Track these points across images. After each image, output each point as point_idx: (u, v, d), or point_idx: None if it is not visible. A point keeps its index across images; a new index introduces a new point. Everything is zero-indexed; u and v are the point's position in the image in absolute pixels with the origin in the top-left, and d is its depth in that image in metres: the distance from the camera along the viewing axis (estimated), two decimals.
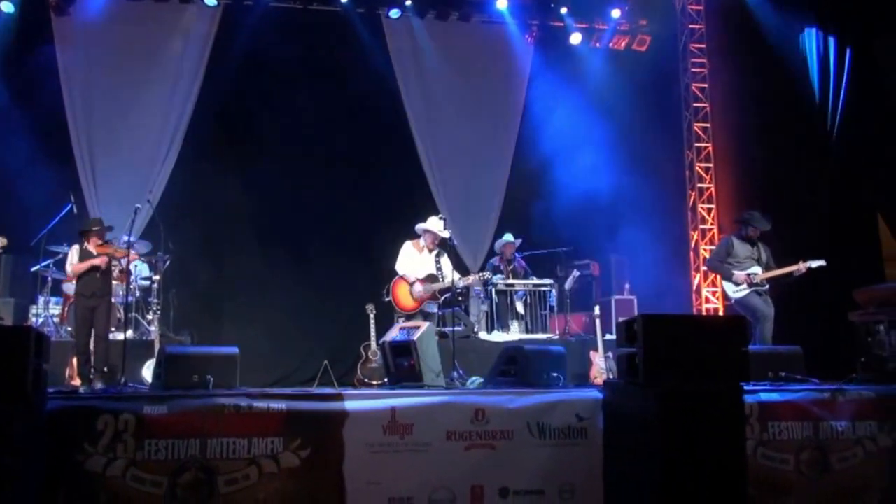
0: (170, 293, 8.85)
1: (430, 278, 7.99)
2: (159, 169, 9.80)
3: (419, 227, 8.18)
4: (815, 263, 7.63)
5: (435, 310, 8.11)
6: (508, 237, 9.70)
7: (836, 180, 9.01)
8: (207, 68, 10.06)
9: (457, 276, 7.85)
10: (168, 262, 8.76)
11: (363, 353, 8.24)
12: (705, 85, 11.82)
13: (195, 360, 5.19)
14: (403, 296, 8.04)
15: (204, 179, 9.84)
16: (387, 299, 8.10)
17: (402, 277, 8.04)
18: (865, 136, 8.70)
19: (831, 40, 9.26)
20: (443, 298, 8.09)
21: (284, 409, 4.69)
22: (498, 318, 9.10)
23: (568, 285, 9.55)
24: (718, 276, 9.18)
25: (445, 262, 8.10)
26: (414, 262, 8.08)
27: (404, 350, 6.25)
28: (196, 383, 5.02)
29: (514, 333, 8.95)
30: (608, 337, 8.32)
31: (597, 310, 8.52)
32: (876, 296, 7.01)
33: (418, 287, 7.96)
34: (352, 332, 8.86)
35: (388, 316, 8.17)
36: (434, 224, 8.12)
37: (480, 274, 8.52)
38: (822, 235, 8.90)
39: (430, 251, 8.13)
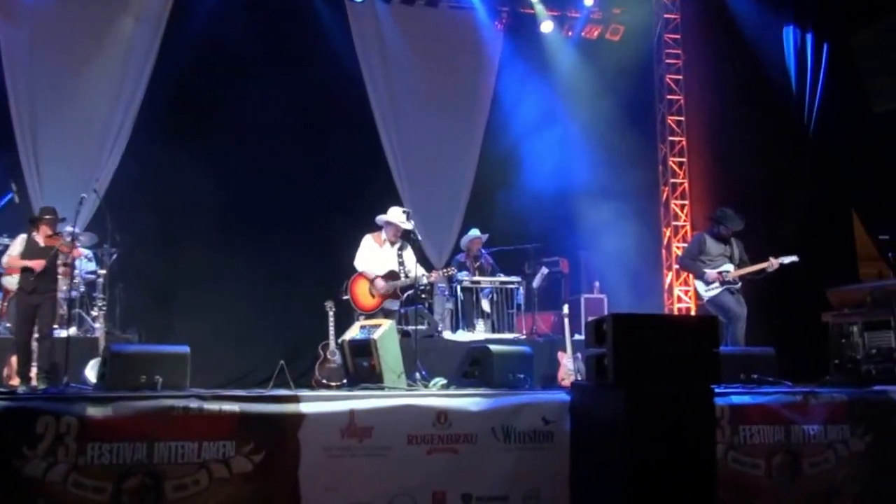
0: (116, 288, 8.71)
1: (391, 275, 7.82)
2: (108, 155, 9.61)
3: (380, 218, 8.01)
4: (787, 259, 7.78)
5: (397, 307, 8.00)
6: (475, 232, 9.71)
7: (812, 176, 9.19)
8: (161, 50, 9.86)
9: (421, 271, 7.75)
10: (115, 255, 8.61)
11: (321, 352, 8.19)
12: (680, 77, 11.93)
13: (142, 360, 5.15)
14: (362, 294, 7.87)
15: (155, 167, 9.55)
16: (345, 297, 7.99)
17: (361, 274, 7.87)
18: (842, 132, 8.89)
19: (809, 34, 9.42)
20: (405, 296, 8.01)
21: (237, 412, 4.66)
22: (463, 317, 9.11)
23: (536, 283, 9.59)
24: (691, 275, 9.28)
25: (408, 256, 7.94)
26: (374, 256, 7.92)
27: (364, 350, 6.22)
28: (143, 384, 4.99)
29: (480, 333, 8.97)
30: (577, 337, 8.36)
31: (565, 309, 8.54)
32: (850, 297, 7.17)
33: (379, 284, 7.77)
34: (310, 330, 8.82)
35: (347, 313, 8.12)
36: (395, 215, 7.93)
37: (445, 269, 8.40)
38: (797, 233, 9.07)
39: (392, 244, 7.93)
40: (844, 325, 7.01)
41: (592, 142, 10.74)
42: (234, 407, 4.66)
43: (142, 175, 9.64)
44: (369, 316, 7.67)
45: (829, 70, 9.13)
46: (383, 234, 7.98)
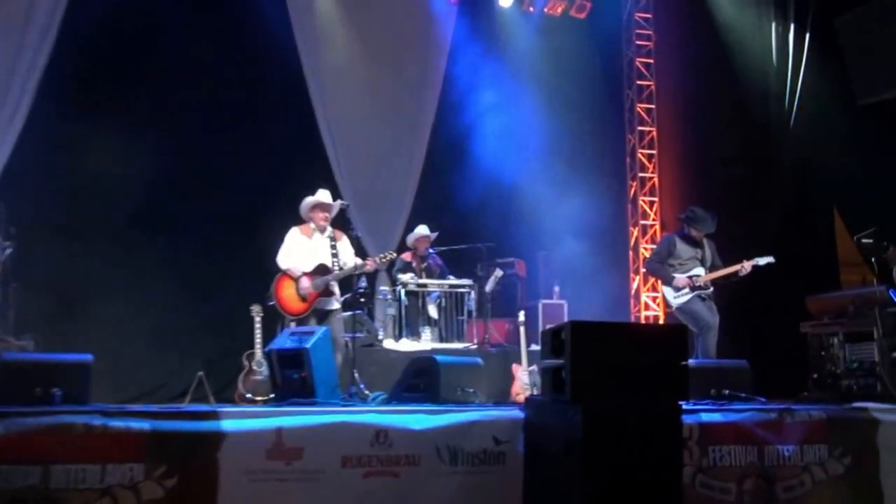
0: (10, 288, 8.52)
1: (321, 269, 7.65)
2: (1, 135, 9.41)
3: (305, 202, 7.89)
4: (762, 261, 7.95)
5: (337, 306, 7.82)
6: (422, 229, 9.75)
7: (792, 173, 9.38)
8: (68, 14, 9.61)
9: (358, 261, 7.68)
10: (9, 251, 8.43)
11: (246, 363, 8.19)
12: (651, 60, 12.12)
13: (38, 370, 5.06)
14: (289, 297, 7.70)
15: (58, 151, 9.39)
16: (271, 303, 7.90)
17: (285, 273, 7.72)
18: (825, 126, 9.10)
19: (791, 21, 9.62)
20: (344, 298, 7.94)
21: (147, 430, 4.57)
22: (407, 324, 9.15)
23: (489, 287, 9.67)
24: (659, 281, 9.43)
25: (344, 247, 7.78)
26: (301, 250, 7.76)
27: (294, 360, 6.20)
28: (39, 398, 4.88)
29: (426, 342, 9.04)
30: (533, 347, 8.45)
31: (521, 316, 8.64)
32: (830, 305, 7.36)
33: (305, 283, 7.61)
34: (233, 337, 8.85)
35: (277, 318, 8.07)
36: (323, 195, 7.87)
37: (382, 256, 8.09)
38: (775, 234, 9.31)
39: (323, 232, 7.78)
40: (824, 335, 7.19)
41: (554, 131, 10.88)
42: (143, 424, 4.57)
43: (42, 158, 9.38)
44: (301, 321, 7.61)
45: (811, 59, 9.35)
46: (312, 224, 7.84)
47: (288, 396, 6.12)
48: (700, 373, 6.14)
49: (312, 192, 8.06)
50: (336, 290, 7.79)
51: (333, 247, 7.77)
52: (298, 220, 8.09)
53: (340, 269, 7.67)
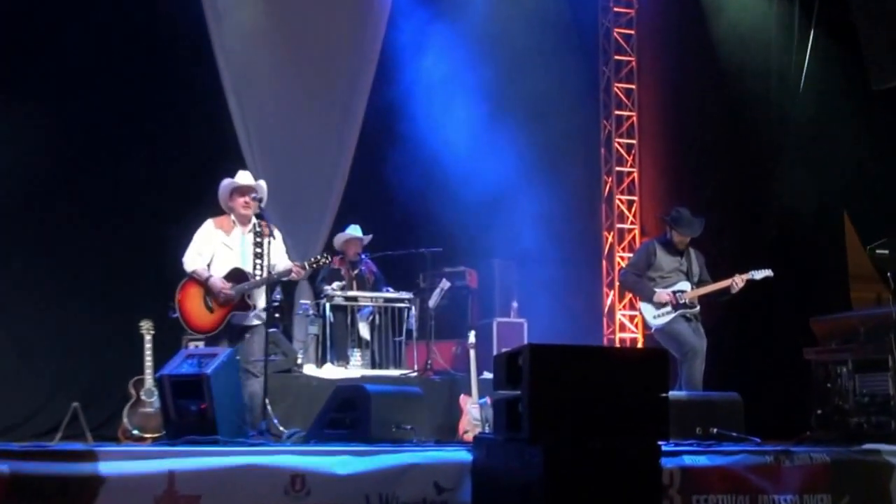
0: None
1: (235, 275, 7.31)
2: None
3: (223, 186, 7.54)
4: (757, 274, 8.03)
5: (257, 322, 7.44)
6: (354, 231, 9.72)
7: (795, 169, 9.51)
8: None
9: (290, 265, 7.44)
10: None
11: (133, 392, 8.13)
12: (632, 31, 12.24)
13: None
14: (195, 307, 7.33)
15: None
16: (174, 315, 7.54)
17: (192, 278, 7.39)
18: (834, 113, 9.23)
19: None
20: (262, 309, 7.57)
21: (6, 474, 4.50)
22: (332, 346, 9.10)
23: (433, 301, 9.65)
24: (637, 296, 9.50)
25: (275, 247, 7.47)
26: (218, 251, 7.42)
27: (192, 388, 6.10)
28: None
29: (355, 368, 9.01)
30: (486, 375, 8.45)
31: (472, 337, 8.60)
32: (838, 327, 7.46)
33: (214, 284, 7.25)
34: (117, 361, 8.83)
35: (172, 337, 8.00)
36: (244, 176, 7.58)
37: (313, 259, 7.69)
38: (774, 243, 9.41)
39: (246, 224, 7.47)
40: (830, 364, 7.29)
41: (515, 115, 10.91)
42: (2, 468, 4.52)
43: None
44: (211, 339, 7.34)
45: (819, 36, 9.48)
46: (232, 216, 7.54)
47: (183, 434, 5.96)
48: (683, 407, 6.20)
49: (230, 176, 7.71)
50: (259, 301, 7.43)
51: (259, 244, 7.42)
52: (203, 217, 7.85)
53: (268, 273, 7.27)
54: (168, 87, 10.22)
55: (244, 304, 7.35)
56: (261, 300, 7.48)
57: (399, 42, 11.11)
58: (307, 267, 7.60)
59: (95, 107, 9.87)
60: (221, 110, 10.49)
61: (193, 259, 7.40)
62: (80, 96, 9.83)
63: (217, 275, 7.35)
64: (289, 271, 7.43)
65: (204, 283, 7.32)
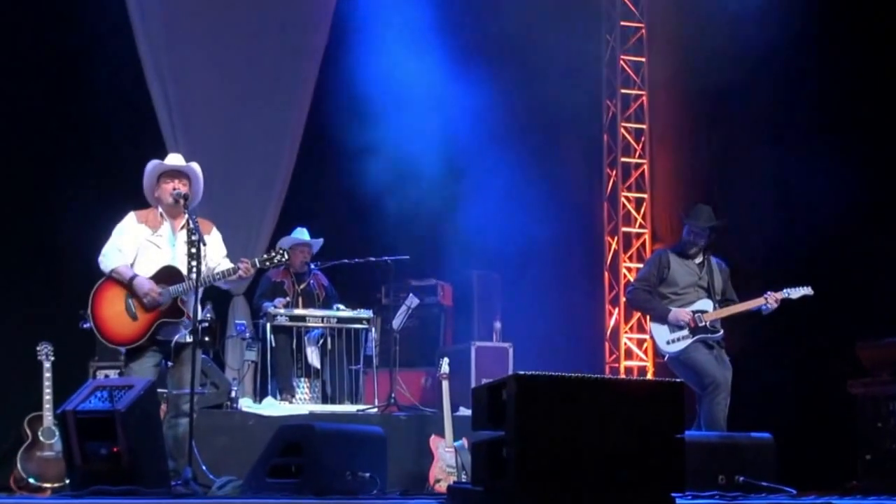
0: None
1: (168, 275, 7.16)
2: None
3: (149, 168, 7.39)
4: (794, 293, 7.96)
5: (188, 341, 7.26)
6: (300, 235, 9.69)
7: (839, 165, 9.50)
8: None
9: (231, 265, 7.25)
10: None
11: (28, 432, 8.05)
12: None
13: None
14: (114, 315, 7.15)
15: None
16: (86, 325, 7.44)
17: (110, 279, 7.24)
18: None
19: None
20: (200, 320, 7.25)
21: None
22: (274, 376, 9.08)
23: (398, 322, 9.60)
24: (647, 316, 9.49)
25: (212, 242, 7.40)
26: (139, 246, 7.29)
27: (102, 427, 6.10)
28: None
29: (302, 403, 8.97)
30: (462, 412, 8.47)
31: (445, 365, 8.60)
32: (891, 354, 7.50)
33: (141, 285, 7.08)
34: (9, 394, 8.62)
35: (77, 363, 7.94)
36: (175, 158, 7.48)
37: (266, 256, 7.69)
38: (814, 253, 9.34)
39: (176, 218, 7.34)
40: (881, 399, 7.37)
41: (497, 93, 10.88)
42: None
43: None
44: (132, 355, 7.17)
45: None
46: (160, 207, 7.38)
47: (91, 483, 5.99)
48: (704, 451, 6.25)
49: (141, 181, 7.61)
50: (191, 308, 7.21)
51: (193, 242, 7.19)
52: (119, 218, 7.59)
53: (205, 275, 7.15)
54: (82, 77, 10.39)
55: (175, 310, 7.21)
56: (199, 308, 7.36)
57: (355, 4, 11.17)
58: (258, 265, 7.49)
59: (10, 96, 10.18)
60: (142, 94, 10.57)
61: (113, 256, 7.25)
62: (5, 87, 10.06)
63: (138, 272, 7.21)
64: (235, 270, 7.27)
65: (127, 284, 7.15)
